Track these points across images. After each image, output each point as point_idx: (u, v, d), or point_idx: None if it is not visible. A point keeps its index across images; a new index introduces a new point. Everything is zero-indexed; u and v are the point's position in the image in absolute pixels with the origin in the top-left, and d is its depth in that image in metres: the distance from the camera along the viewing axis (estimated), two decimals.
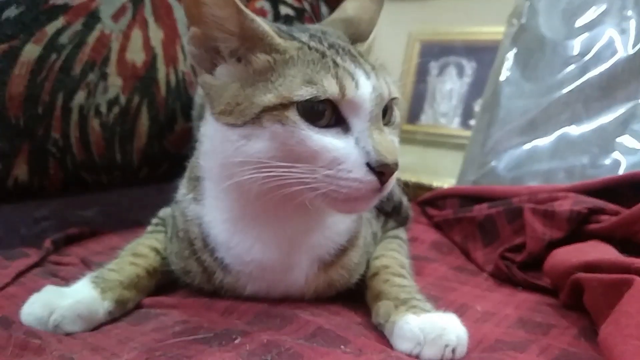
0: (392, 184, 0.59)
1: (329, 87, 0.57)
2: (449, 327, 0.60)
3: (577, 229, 0.82)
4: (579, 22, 1.07)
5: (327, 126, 0.58)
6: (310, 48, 0.60)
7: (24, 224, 1.01)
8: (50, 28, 0.95)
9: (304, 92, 0.57)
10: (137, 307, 0.71)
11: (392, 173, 0.57)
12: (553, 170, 1.01)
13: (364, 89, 0.58)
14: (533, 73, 1.09)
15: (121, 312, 0.69)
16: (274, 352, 0.58)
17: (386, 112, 0.62)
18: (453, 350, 0.59)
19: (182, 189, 0.75)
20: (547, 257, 0.79)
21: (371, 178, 0.57)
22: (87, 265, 0.86)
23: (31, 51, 0.93)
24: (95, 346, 0.59)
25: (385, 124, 0.62)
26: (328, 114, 0.58)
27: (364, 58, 0.63)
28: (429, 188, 1.21)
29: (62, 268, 0.86)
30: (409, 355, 0.60)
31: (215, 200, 0.68)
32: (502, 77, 1.12)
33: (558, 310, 0.74)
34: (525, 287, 0.82)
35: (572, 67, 1.05)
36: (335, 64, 0.59)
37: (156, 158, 1.15)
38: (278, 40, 0.60)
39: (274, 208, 0.64)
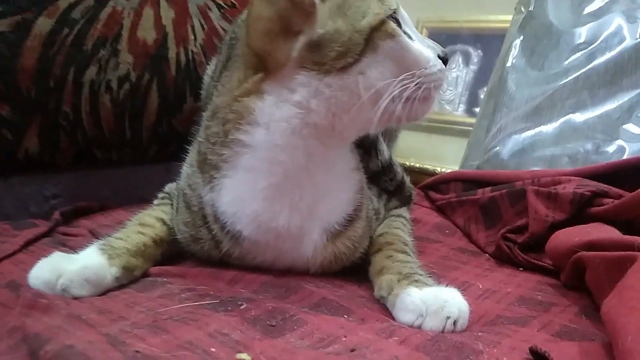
0: None
1: (392, 3, 0.66)
2: (451, 300, 0.62)
3: (580, 211, 0.83)
4: (587, 10, 1.08)
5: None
6: None
7: (34, 201, 1.02)
8: (63, 2, 0.95)
9: (385, 6, 0.65)
10: (144, 275, 0.72)
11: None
12: (557, 156, 1.02)
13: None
14: (539, 60, 1.10)
15: (128, 279, 0.70)
16: (279, 318, 0.59)
17: None
18: (454, 323, 0.60)
19: (194, 173, 0.74)
20: (549, 239, 0.80)
21: (444, 66, 0.68)
22: (95, 236, 0.87)
23: (43, 24, 0.93)
24: (102, 309, 0.61)
25: None
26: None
27: None
28: (432, 174, 1.22)
29: (71, 239, 0.88)
30: (411, 326, 0.61)
31: (253, 174, 0.68)
32: (508, 64, 1.12)
33: (559, 290, 0.75)
34: (526, 268, 0.83)
35: (578, 54, 1.06)
36: None
37: (165, 136, 1.16)
38: None
39: (324, 158, 0.68)
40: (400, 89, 0.63)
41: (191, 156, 0.77)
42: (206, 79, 1.15)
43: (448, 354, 0.53)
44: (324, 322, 0.59)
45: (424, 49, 0.67)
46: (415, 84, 0.64)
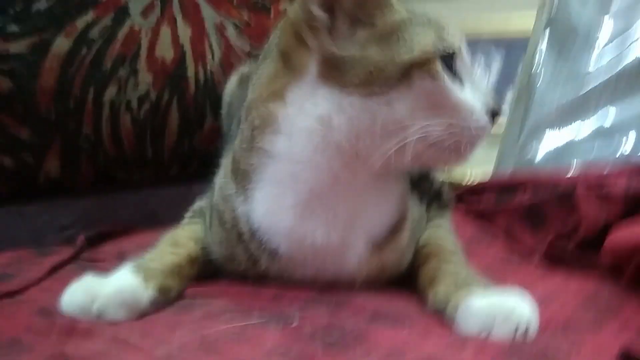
0: None
1: (455, 41, 0.61)
2: (519, 306, 0.57)
3: (634, 209, 0.78)
4: (614, 8, 1.05)
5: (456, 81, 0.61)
6: (411, 11, 0.63)
7: (50, 230, 0.99)
8: (80, 22, 0.94)
9: (441, 45, 0.60)
10: (180, 297, 0.68)
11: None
12: (595, 159, 0.98)
13: (462, 42, 0.63)
14: (567, 63, 1.07)
15: (164, 300, 0.65)
16: (336, 334, 0.54)
17: None
18: (525, 329, 0.55)
19: (227, 183, 0.71)
20: (606, 237, 0.75)
21: (490, 123, 0.62)
22: (123, 260, 0.84)
23: (62, 44, 0.92)
24: (144, 331, 0.56)
25: None
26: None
27: None
28: (460, 180, 1.19)
29: (98, 264, 0.84)
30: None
31: (281, 187, 0.64)
32: (535, 68, 1.10)
33: (624, 290, 0.70)
34: (582, 269, 0.78)
35: (609, 54, 1.03)
36: (440, 23, 0.62)
37: (186, 155, 1.13)
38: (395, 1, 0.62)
39: (354, 183, 0.64)
40: (428, 131, 0.59)
41: (225, 166, 0.73)
42: (226, 98, 1.13)
43: None
44: (386, 336, 0.54)
45: (471, 99, 0.61)
46: (449, 132, 0.60)
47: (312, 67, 0.61)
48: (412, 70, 0.58)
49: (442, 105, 0.60)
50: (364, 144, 0.61)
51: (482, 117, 0.61)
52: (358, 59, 0.59)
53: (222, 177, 0.73)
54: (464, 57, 0.63)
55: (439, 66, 0.59)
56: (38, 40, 0.89)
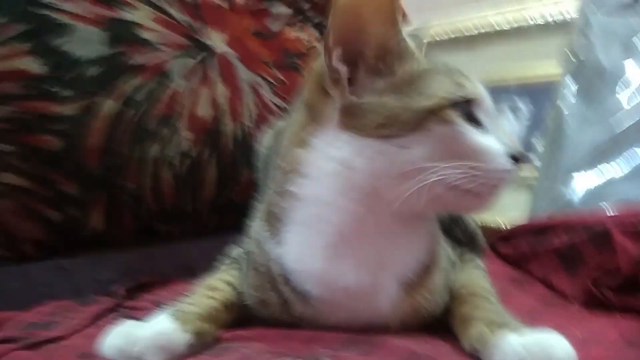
0: None
1: (472, 88, 0.63)
2: (557, 345, 0.56)
3: None
4: (637, 52, 1.06)
5: (477, 127, 0.63)
6: (432, 61, 0.66)
7: (89, 286, 1.02)
8: (128, 86, 1.01)
9: (460, 92, 0.62)
10: (216, 341, 0.69)
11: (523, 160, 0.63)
12: (634, 197, 0.96)
13: (483, 89, 0.65)
14: (597, 103, 1.07)
15: (200, 345, 0.66)
16: None
17: None
18: None
19: (260, 228, 0.73)
20: None
21: (514, 167, 0.62)
22: (160, 308, 0.86)
23: (110, 107, 0.99)
24: None
25: None
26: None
27: None
28: (495, 228, 1.18)
29: (137, 312, 0.86)
30: None
31: (310, 230, 0.66)
32: (565, 111, 1.11)
33: None
34: (623, 311, 0.75)
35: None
36: (459, 72, 0.65)
37: (223, 208, 1.17)
38: (416, 52, 0.66)
39: (380, 223, 0.65)
40: (446, 174, 0.60)
41: (259, 211, 0.76)
42: (262, 150, 1.18)
43: None
44: None
45: (493, 143, 0.62)
46: (469, 175, 0.60)
47: (334, 114, 0.64)
48: (428, 117, 0.60)
49: (460, 149, 0.61)
50: (384, 185, 0.62)
51: (504, 160, 0.62)
52: (375, 106, 0.62)
53: (256, 222, 0.75)
54: (486, 104, 0.64)
55: (452, 115, 0.61)
56: (88, 103, 0.96)
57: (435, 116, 0.60)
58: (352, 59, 0.64)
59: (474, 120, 0.62)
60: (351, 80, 0.64)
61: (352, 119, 0.63)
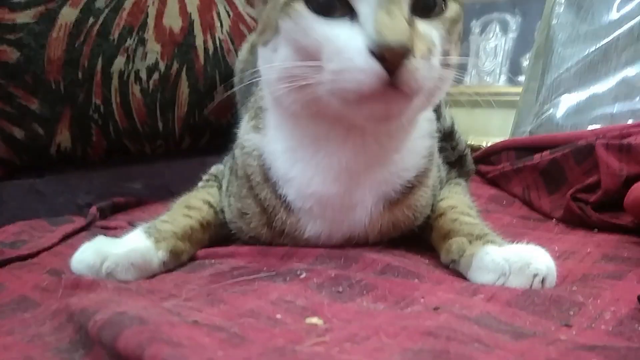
0: (413, 75, 0.49)
1: None
2: (536, 256, 0.55)
3: None
4: None
5: (340, 17, 0.52)
6: None
7: (68, 210, 0.99)
8: None
9: None
10: (191, 259, 0.68)
11: (397, 57, 0.48)
12: (618, 114, 0.94)
13: None
14: (587, 14, 1.03)
15: (175, 263, 0.65)
16: (345, 284, 0.53)
17: (427, 2, 0.54)
18: (542, 281, 0.53)
19: (243, 121, 0.72)
20: (627, 193, 0.72)
21: (372, 64, 0.48)
22: (135, 227, 0.84)
23: (68, 14, 0.91)
24: (151, 289, 0.56)
25: (422, 15, 0.53)
26: (340, 5, 0.51)
27: None
28: (479, 149, 1.15)
29: (110, 231, 0.84)
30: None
31: (275, 130, 0.65)
32: (554, 22, 1.06)
33: None
34: (602, 228, 0.75)
35: (630, 4, 0.98)
36: None
37: (197, 127, 1.12)
38: None
39: (326, 133, 0.61)
40: (299, 76, 0.52)
41: (245, 120, 0.73)
42: (238, 65, 1.12)
43: (545, 307, 0.46)
44: (396, 285, 0.53)
45: (347, 36, 0.50)
46: (320, 77, 0.51)
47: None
48: (280, 15, 0.54)
49: (305, 44, 0.52)
50: (276, 92, 0.58)
51: (358, 55, 0.49)
52: (261, 14, 0.60)
53: (243, 122, 0.72)
54: None
55: (298, 4, 0.53)
56: (44, 10, 0.88)
57: (283, 12, 0.54)
58: None
59: (352, 9, 0.51)
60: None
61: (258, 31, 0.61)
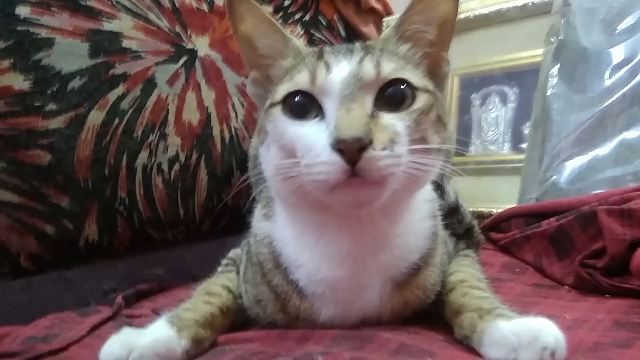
0: (374, 164, 0.54)
1: (300, 79, 0.60)
2: (545, 329, 0.56)
3: None
4: (620, 28, 1.07)
5: (312, 118, 0.59)
6: (315, 53, 0.64)
7: (94, 296, 1.03)
8: (112, 95, 1.02)
9: (282, 89, 0.61)
10: (212, 345, 0.70)
11: (354, 150, 0.53)
12: (619, 177, 0.97)
13: (337, 73, 0.59)
14: (580, 84, 1.08)
15: (197, 351, 0.68)
16: None
17: (393, 96, 0.59)
18: (552, 354, 0.54)
19: (256, 210, 0.76)
20: (632, 257, 0.74)
21: (334, 158, 0.54)
22: (159, 315, 0.87)
23: (96, 117, 0.99)
24: None
25: (390, 109, 0.59)
26: (311, 106, 0.60)
27: (370, 48, 0.63)
28: (488, 216, 1.18)
29: (135, 320, 0.87)
30: None
31: (283, 219, 0.69)
32: (549, 93, 1.11)
33: None
34: (613, 293, 0.76)
35: (620, 72, 1.03)
36: (320, 59, 0.62)
37: (216, 211, 1.18)
38: (303, 47, 0.66)
39: (324, 221, 0.65)
40: (285, 172, 0.59)
41: (257, 208, 0.77)
42: (252, 151, 1.18)
43: None
44: None
45: (314, 134, 0.56)
46: (297, 172, 0.57)
47: None
48: (265, 117, 0.63)
49: (283, 144, 0.59)
50: (272, 185, 0.65)
51: (322, 151, 0.54)
52: (258, 119, 0.67)
53: (256, 211, 0.77)
54: (328, 88, 0.58)
55: (276, 109, 0.61)
56: (74, 116, 0.97)
57: (267, 116, 0.63)
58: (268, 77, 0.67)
59: (301, 112, 0.59)
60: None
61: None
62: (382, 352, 0.60)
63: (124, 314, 0.91)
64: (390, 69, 0.60)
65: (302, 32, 1.42)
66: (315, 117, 0.59)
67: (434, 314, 0.72)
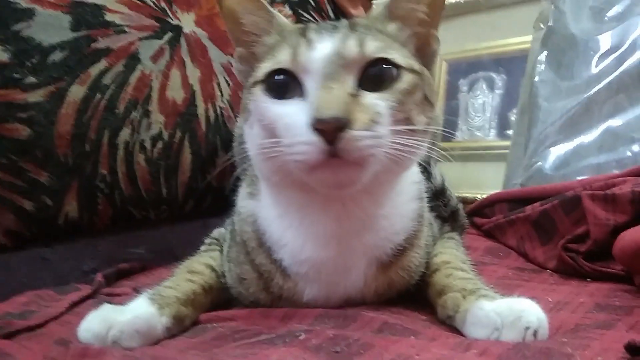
0: (353, 144, 0.53)
1: (282, 57, 0.59)
2: (528, 309, 0.57)
3: None
4: (609, 15, 1.07)
5: (293, 97, 0.58)
6: (299, 30, 0.63)
7: (73, 276, 1.01)
8: (94, 70, 0.99)
9: (264, 67, 0.60)
10: (194, 323, 0.70)
11: (332, 129, 0.52)
12: (603, 164, 0.98)
13: (319, 50, 0.58)
14: (568, 71, 1.08)
15: (179, 328, 0.67)
16: (343, 344, 0.55)
17: (376, 75, 0.58)
18: (534, 333, 0.55)
19: (241, 188, 0.75)
20: (614, 242, 0.75)
21: (313, 137, 0.53)
22: (140, 293, 0.85)
23: (77, 92, 0.96)
24: (155, 356, 0.57)
25: (373, 88, 0.58)
26: (292, 85, 0.59)
27: (355, 25, 0.62)
28: (472, 201, 1.18)
29: (116, 298, 0.85)
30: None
31: (267, 198, 0.69)
32: (536, 79, 1.11)
33: (636, 294, 0.69)
34: (594, 277, 0.77)
35: (608, 59, 1.04)
36: (303, 36, 0.60)
37: (200, 192, 1.16)
38: (287, 24, 0.65)
39: (307, 201, 0.64)
40: (266, 150, 0.58)
41: (242, 187, 0.76)
42: (237, 130, 1.17)
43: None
44: (392, 343, 0.54)
45: (294, 113, 0.56)
46: (277, 151, 0.57)
47: None
48: (248, 96, 0.62)
49: (265, 123, 0.59)
50: (255, 164, 0.65)
51: (302, 130, 0.54)
52: (242, 98, 0.66)
53: (241, 189, 0.76)
54: (309, 66, 0.57)
55: (257, 89, 0.60)
56: (54, 90, 0.94)
57: (249, 95, 0.62)
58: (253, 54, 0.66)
59: (285, 90, 0.59)
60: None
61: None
62: (365, 330, 0.60)
63: (104, 293, 0.89)
64: (374, 47, 0.58)
65: (290, 13, 1.40)
66: (297, 96, 0.58)
67: (417, 295, 0.72)
